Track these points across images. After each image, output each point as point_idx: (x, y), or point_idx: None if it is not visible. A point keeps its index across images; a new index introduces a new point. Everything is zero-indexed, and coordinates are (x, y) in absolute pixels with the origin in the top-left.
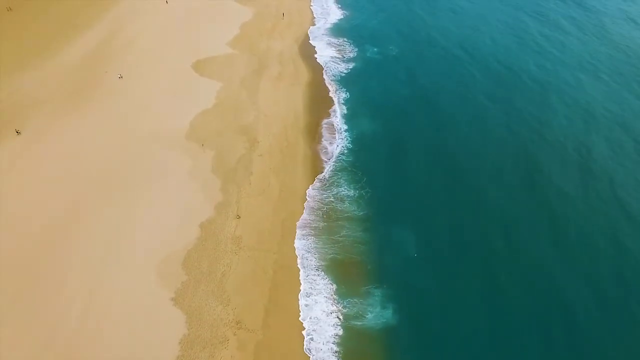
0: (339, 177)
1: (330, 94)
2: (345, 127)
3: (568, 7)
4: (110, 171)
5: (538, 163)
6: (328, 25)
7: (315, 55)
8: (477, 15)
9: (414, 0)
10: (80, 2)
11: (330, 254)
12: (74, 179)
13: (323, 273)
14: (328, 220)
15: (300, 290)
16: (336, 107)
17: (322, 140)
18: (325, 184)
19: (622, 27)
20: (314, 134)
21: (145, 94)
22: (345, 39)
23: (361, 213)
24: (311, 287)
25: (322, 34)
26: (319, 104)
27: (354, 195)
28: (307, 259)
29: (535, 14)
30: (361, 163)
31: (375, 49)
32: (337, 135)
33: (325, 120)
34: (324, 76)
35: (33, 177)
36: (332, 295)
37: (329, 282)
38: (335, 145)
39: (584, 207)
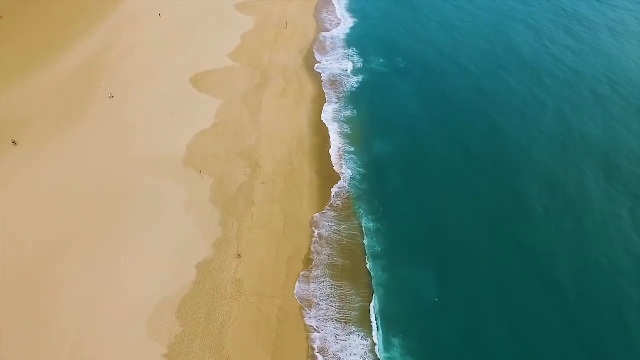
0: (350, 207)
1: (337, 112)
2: (354, 148)
3: (576, 24)
4: (99, 203)
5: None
6: (333, 36)
7: (320, 69)
8: (483, 26)
9: (419, 12)
10: (72, 12)
11: (342, 297)
12: (60, 212)
13: (336, 322)
14: (339, 259)
15: (310, 344)
16: (344, 126)
17: (330, 163)
18: (335, 216)
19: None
20: (320, 157)
21: (140, 114)
22: (351, 50)
23: (378, 249)
24: (323, 340)
25: (327, 45)
26: (325, 123)
27: (369, 228)
28: (316, 307)
29: (542, 26)
30: (374, 190)
31: (382, 60)
32: (346, 158)
33: (333, 142)
34: (330, 92)
35: (16, 211)
36: (350, 349)
37: (345, 332)
38: (345, 170)
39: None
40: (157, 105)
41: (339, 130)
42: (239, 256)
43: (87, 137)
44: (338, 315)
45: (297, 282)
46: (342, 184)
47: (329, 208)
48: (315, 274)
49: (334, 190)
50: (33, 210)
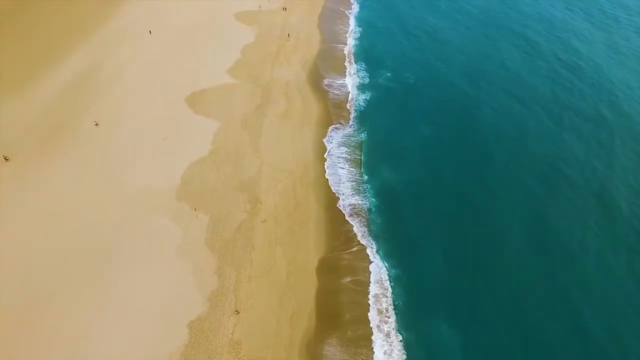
0: (364, 248)
1: (345, 136)
2: (366, 177)
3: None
4: (80, 248)
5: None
6: (338, 48)
7: (325, 85)
8: (486, 40)
9: (422, 24)
10: (63, 25)
11: None
12: (34, 261)
13: None
14: (355, 313)
15: None
16: (353, 152)
17: (339, 196)
18: (346, 260)
19: None
20: (327, 188)
21: (130, 140)
22: (357, 64)
23: (399, 303)
24: None
25: (332, 58)
26: (332, 148)
27: (391, 275)
28: None
29: (550, 36)
30: (391, 227)
31: (389, 75)
32: (357, 189)
33: (341, 170)
34: (337, 112)
35: None
36: None
37: None
38: (355, 203)
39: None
40: (149, 128)
41: (348, 156)
42: (237, 312)
43: (71, 170)
44: None
45: (326, 346)
46: (353, 220)
47: (339, 251)
48: (349, 335)
49: (343, 228)
50: (7, 256)
